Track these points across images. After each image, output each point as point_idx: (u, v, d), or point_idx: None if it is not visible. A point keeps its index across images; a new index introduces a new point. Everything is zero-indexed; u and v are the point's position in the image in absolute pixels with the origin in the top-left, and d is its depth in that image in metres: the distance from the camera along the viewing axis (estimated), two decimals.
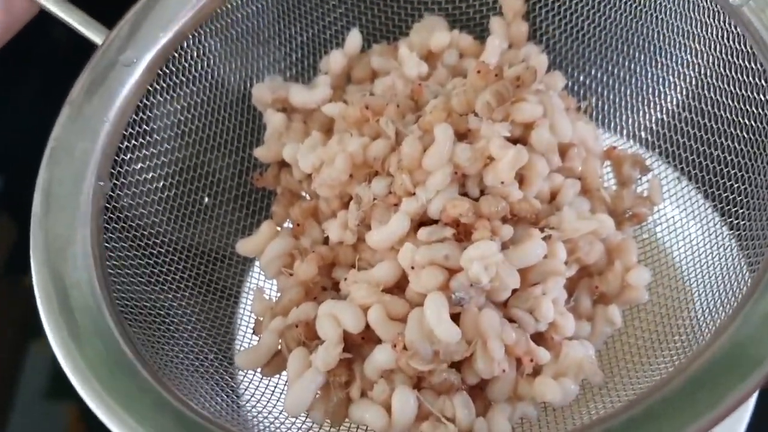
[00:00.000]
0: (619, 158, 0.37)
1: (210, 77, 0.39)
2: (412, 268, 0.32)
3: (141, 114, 0.36)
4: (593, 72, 0.40)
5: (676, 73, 0.37)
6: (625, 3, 0.37)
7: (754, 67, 0.32)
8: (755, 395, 0.40)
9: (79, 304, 0.29)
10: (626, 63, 0.38)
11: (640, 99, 0.38)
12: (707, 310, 0.31)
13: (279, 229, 0.39)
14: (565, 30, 0.39)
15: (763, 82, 0.31)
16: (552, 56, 0.40)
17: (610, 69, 0.39)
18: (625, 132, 0.39)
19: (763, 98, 0.31)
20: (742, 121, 0.32)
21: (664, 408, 0.24)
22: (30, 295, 0.30)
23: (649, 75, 0.37)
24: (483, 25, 0.41)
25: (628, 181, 0.37)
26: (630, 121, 0.39)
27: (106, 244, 0.32)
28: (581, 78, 0.40)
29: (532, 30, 0.40)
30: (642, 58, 0.37)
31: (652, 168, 0.37)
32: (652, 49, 0.37)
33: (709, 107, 0.34)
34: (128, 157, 0.35)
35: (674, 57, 0.36)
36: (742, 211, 0.32)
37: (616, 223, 0.36)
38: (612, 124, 0.39)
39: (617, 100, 0.39)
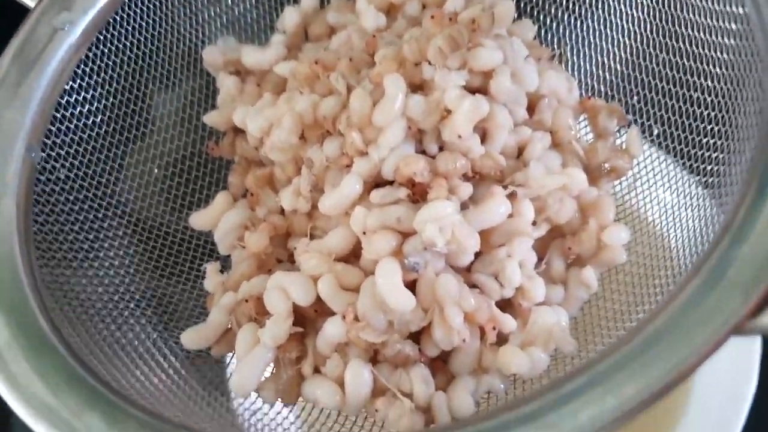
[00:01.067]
0: (595, 108, 0.34)
1: (156, 41, 0.36)
2: (364, 233, 0.30)
3: (79, 81, 0.33)
4: (566, 18, 0.36)
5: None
6: None
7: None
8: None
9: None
10: (596, 5, 0.35)
11: (611, 41, 0.35)
12: (685, 269, 0.28)
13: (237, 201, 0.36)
14: None
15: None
16: (522, 3, 0.37)
17: (580, 13, 0.36)
18: (599, 79, 0.36)
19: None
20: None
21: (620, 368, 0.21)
22: None
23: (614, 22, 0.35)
24: None
25: (605, 133, 0.34)
26: (604, 66, 0.36)
27: (36, 218, 0.30)
28: (554, 26, 0.37)
29: None
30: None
31: (630, 119, 0.34)
32: None
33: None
34: (65, 126, 0.33)
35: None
36: (713, 167, 0.29)
37: (592, 179, 0.33)
38: (587, 73, 0.36)
39: (590, 45, 0.36)
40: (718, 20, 0.29)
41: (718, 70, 0.29)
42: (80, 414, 0.24)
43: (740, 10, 0.27)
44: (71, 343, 0.26)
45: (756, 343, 0.40)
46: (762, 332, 0.20)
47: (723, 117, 0.29)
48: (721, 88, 0.29)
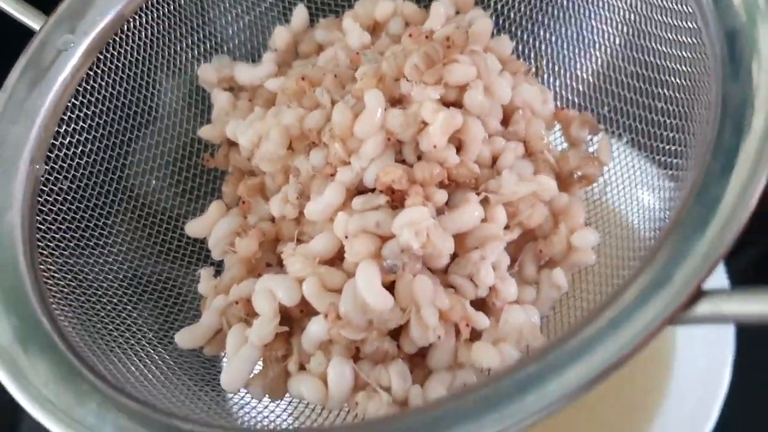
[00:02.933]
0: (567, 119, 0.36)
1: (154, 60, 0.39)
2: (346, 237, 0.31)
3: (81, 98, 0.36)
4: (542, 33, 0.38)
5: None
6: None
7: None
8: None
9: (5, 284, 0.29)
10: (572, 22, 0.37)
11: (584, 55, 0.37)
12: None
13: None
14: None
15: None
16: (502, 20, 0.39)
17: (557, 30, 0.38)
18: (573, 91, 0.38)
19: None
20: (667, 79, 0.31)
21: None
22: None
23: (587, 36, 0.37)
24: None
25: (577, 141, 0.36)
26: (577, 79, 0.38)
27: (39, 226, 0.32)
28: (531, 41, 0.39)
29: None
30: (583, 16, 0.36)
31: (601, 128, 0.36)
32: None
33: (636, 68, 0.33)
34: (67, 140, 0.35)
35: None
36: (675, 173, 0.31)
37: (564, 186, 0.35)
38: (562, 85, 0.38)
39: (566, 59, 0.38)
40: (675, 34, 0.31)
41: (677, 80, 0.31)
42: (79, 404, 0.26)
43: (692, 24, 0.29)
44: (71, 341, 0.28)
45: (729, 335, 0.42)
46: (694, 323, 0.22)
47: (682, 125, 0.31)
48: (680, 98, 0.31)
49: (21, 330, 0.28)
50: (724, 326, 0.44)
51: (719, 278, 0.44)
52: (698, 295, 0.22)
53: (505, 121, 0.35)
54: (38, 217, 0.32)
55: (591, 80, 0.37)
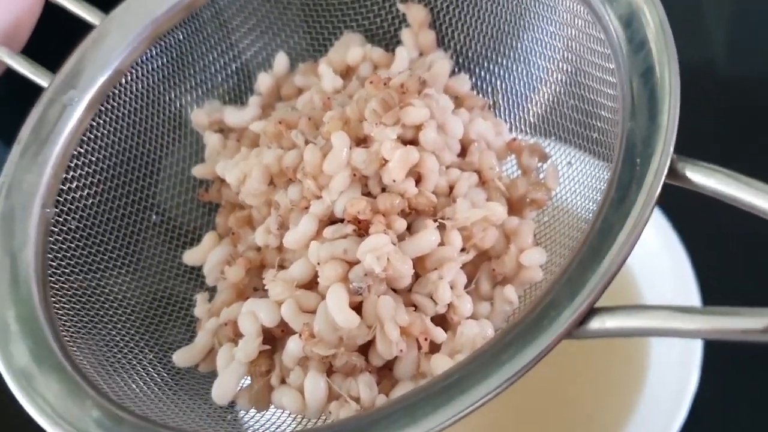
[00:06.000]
0: (519, 148, 0.40)
1: (151, 108, 0.43)
2: (318, 263, 0.36)
3: (85, 146, 0.40)
4: (497, 71, 0.42)
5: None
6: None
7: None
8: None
9: (22, 317, 0.34)
10: (519, 59, 0.41)
11: (533, 90, 0.41)
12: None
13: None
14: (469, 34, 0.42)
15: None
16: (461, 59, 0.43)
17: (507, 66, 0.42)
18: (525, 122, 0.42)
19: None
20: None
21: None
22: None
23: (535, 74, 0.41)
24: (398, 37, 0.44)
25: (528, 169, 0.40)
26: (528, 112, 0.42)
27: (51, 263, 0.37)
28: (487, 77, 0.43)
29: (440, 37, 0.43)
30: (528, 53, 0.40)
31: (550, 155, 0.40)
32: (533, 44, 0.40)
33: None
34: (74, 185, 0.39)
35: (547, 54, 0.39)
36: None
37: (515, 210, 0.39)
38: (515, 117, 0.42)
39: (518, 94, 0.42)
40: (602, 72, 0.35)
41: (606, 114, 0.35)
42: (82, 416, 0.30)
43: (611, 64, 0.33)
44: (77, 363, 0.33)
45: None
46: (586, 337, 0.26)
47: (609, 154, 0.34)
48: (607, 130, 0.35)
49: (35, 353, 0.33)
50: None
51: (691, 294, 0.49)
52: (591, 313, 0.26)
53: (463, 153, 0.39)
54: (49, 255, 0.37)
55: (539, 111, 0.41)
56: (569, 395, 0.51)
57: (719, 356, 0.47)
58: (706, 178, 0.27)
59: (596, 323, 0.26)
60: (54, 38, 0.43)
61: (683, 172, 0.27)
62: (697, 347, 0.47)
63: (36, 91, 0.40)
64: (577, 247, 0.28)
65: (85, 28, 0.42)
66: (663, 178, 0.27)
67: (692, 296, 0.49)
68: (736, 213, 0.27)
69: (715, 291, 0.49)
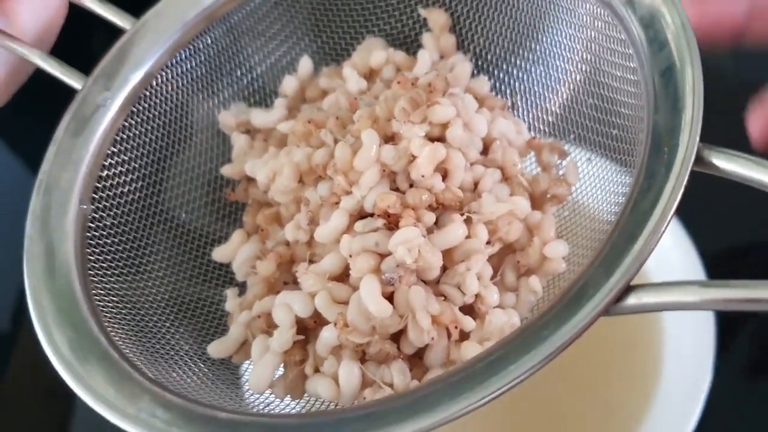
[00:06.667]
0: (539, 146, 0.42)
1: (180, 109, 0.44)
2: (350, 256, 0.37)
3: (119, 146, 0.41)
4: (515, 73, 0.44)
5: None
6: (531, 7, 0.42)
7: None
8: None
9: (62, 308, 0.35)
10: (538, 61, 0.43)
11: (551, 91, 0.43)
12: None
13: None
14: (488, 37, 0.44)
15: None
16: (480, 62, 0.45)
17: (526, 69, 0.43)
18: (543, 122, 0.43)
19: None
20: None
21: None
22: None
23: (553, 74, 0.42)
24: (419, 41, 0.46)
25: (548, 166, 0.41)
26: (547, 111, 0.43)
27: (89, 257, 0.38)
28: (506, 80, 0.44)
29: (460, 41, 0.45)
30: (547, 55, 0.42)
31: (569, 152, 0.41)
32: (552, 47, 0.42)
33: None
34: (108, 183, 0.41)
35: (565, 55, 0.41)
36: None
37: (537, 205, 0.40)
38: (534, 117, 0.44)
39: (537, 95, 0.44)
40: (622, 71, 0.37)
41: (626, 111, 0.37)
42: (132, 401, 0.31)
43: (633, 64, 0.35)
44: (123, 351, 0.34)
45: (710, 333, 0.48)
46: (623, 313, 0.27)
47: (630, 149, 0.36)
48: (628, 126, 0.36)
49: (78, 343, 0.34)
50: (706, 325, 0.50)
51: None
52: (627, 290, 0.27)
53: (485, 151, 0.41)
54: (87, 249, 0.38)
55: (558, 111, 0.43)
56: (583, 394, 0.53)
57: (732, 354, 0.49)
58: (731, 164, 0.29)
59: (633, 299, 0.27)
60: (77, 39, 0.44)
61: (709, 159, 0.29)
62: (710, 342, 0.49)
63: (35, 91, 0.42)
64: (610, 232, 0.29)
65: (102, 27, 0.43)
66: (691, 163, 0.29)
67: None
68: (746, 213, 0.29)
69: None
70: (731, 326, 0.50)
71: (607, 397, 0.52)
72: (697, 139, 0.29)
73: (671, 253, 0.52)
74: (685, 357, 0.50)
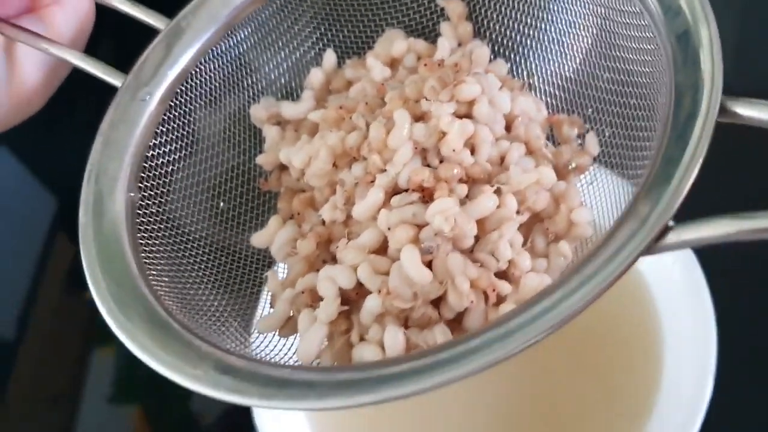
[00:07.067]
0: (559, 121, 0.44)
1: (214, 103, 0.47)
2: (389, 229, 0.39)
3: (159, 138, 0.43)
4: (531, 55, 0.46)
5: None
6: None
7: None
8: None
9: (123, 283, 0.37)
10: (553, 41, 0.45)
11: (568, 69, 0.45)
12: None
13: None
14: (504, 23, 0.47)
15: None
16: (497, 47, 0.47)
17: (542, 50, 0.46)
18: (561, 99, 0.46)
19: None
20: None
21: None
22: (91, 308, 0.36)
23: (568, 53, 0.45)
24: (436, 31, 0.48)
25: (568, 139, 0.44)
26: (564, 89, 0.46)
27: (140, 241, 0.40)
28: (523, 62, 0.47)
29: (476, 28, 0.47)
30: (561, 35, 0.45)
31: (586, 127, 0.44)
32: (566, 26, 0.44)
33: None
34: (152, 173, 0.43)
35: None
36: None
37: (561, 175, 0.42)
38: (551, 95, 0.46)
39: (553, 74, 0.46)
40: (638, 43, 0.39)
41: (643, 79, 0.39)
42: (195, 365, 0.33)
43: (649, 33, 0.37)
44: (182, 323, 0.36)
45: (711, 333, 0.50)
46: (664, 251, 0.29)
47: (650, 114, 0.38)
48: (646, 93, 0.39)
49: (146, 317, 0.35)
50: (707, 322, 0.52)
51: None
52: (666, 230, 0.29)
53: (507, 128, 0.43)
54: (138, 234, 0.40)
55: (575, 88, 0.45)
56: (584, 394, 0.55)
57: (734, 358, 0.51)
58: (755, 111, 0.31)
59: (673, 237, 0.29)
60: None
61: (733, 109, 0.31)
62: (710, 342, 0.51)
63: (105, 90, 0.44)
64: (644, 178, 0.32)
65: (127, 24, 0.45)
66: (716, 112, 0.31)
67: (704, 293, 0.53)
68: None
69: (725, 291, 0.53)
70: (732, 326, 0.52)
71: (608, 399, 0.54)
72: (720, 87, 0.31)
73: (674, 267, 0.54)
74: (685, 358, 0.52)
